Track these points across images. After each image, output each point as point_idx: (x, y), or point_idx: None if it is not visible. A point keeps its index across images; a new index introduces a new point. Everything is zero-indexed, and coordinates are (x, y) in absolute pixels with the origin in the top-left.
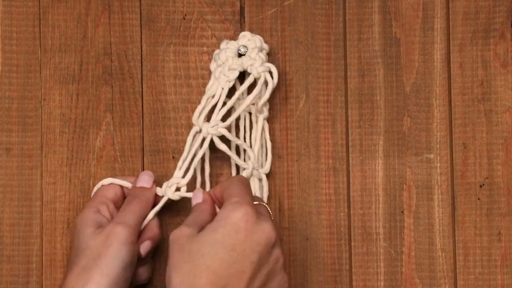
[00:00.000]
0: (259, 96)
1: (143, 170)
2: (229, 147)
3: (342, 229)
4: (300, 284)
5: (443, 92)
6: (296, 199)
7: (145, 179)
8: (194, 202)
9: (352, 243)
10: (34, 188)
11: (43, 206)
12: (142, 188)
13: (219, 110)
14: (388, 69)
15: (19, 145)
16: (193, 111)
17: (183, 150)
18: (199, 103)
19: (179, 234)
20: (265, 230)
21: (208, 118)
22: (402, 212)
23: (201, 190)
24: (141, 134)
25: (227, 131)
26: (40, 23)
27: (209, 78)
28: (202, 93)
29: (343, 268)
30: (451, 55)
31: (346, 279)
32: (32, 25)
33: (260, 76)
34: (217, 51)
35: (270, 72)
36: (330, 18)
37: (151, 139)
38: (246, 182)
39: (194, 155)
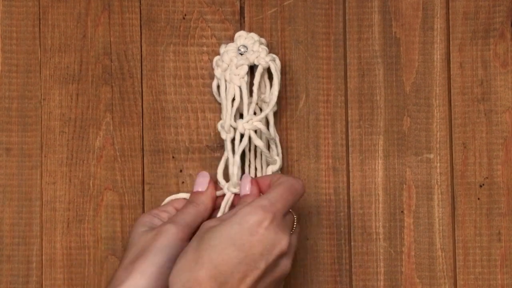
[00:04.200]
0: (263, 90)
1: (143, 170)
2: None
3: (342, 229)
4: (300, 284)
5: (443, 92)
6: None
7: (200, 183)
8: (242, 192)
9: (352, 243)
10: (34, 188)
11: (43, 206)
12: (197, 193)
13: (248, 106)
14: (388, 69)
15: (19, 145)
16: (193, 111)
17: (182, 150)
18: (199, 103)
19: (206, 225)
20: (280, 242)
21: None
22: (402, 212)
23: (249, 179)
24: (141, 134)
25: (262, 125)
26: (40, 23)
27: (209, 78)
28: (202, 93)
29: (343, 268)
30: (451, 55)
31: (346, 279)
32: (32, 25)
33: (269, 66)
34: (217, 56)
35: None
36: (330, 18)
37: (151, 139)
38: (293, 191)
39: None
